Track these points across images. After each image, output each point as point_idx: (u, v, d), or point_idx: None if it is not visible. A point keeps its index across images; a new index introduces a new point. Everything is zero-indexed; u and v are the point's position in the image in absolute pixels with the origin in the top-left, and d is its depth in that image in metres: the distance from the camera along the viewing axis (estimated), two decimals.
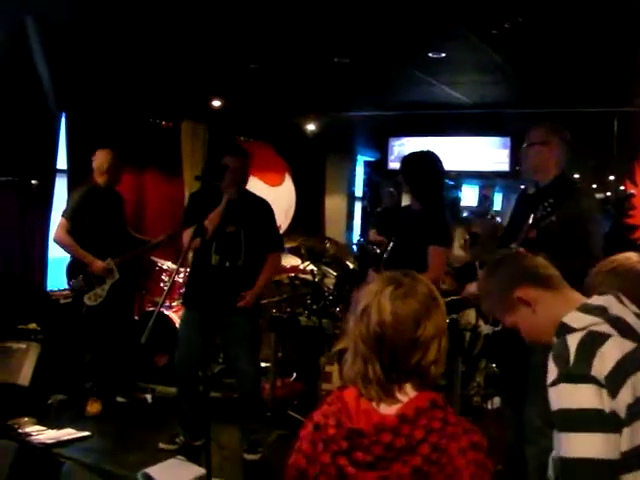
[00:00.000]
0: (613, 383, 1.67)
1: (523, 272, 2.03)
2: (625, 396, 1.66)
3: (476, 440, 1.74)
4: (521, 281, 2.00)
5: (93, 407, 5.72)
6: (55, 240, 5.89)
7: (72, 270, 5.85)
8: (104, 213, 5.86)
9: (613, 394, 1.66)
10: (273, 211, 5.18)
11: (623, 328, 1.77)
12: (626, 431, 1.66)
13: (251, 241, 4.94)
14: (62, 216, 5.85)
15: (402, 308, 1.80)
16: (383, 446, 1.72)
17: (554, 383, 1.74)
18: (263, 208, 5.11)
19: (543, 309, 1.96)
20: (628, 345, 1.73)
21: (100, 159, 5.86)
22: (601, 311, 1.81)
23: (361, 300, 1.87)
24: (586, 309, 1.83)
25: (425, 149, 4.83)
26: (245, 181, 5.07)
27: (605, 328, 1.76)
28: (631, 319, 1.81)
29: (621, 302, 1.85)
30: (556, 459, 1.75)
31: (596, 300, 1.86)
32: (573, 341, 1.74)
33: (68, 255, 5.90)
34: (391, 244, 4.72)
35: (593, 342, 1.72)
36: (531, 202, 4.00)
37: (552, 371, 1.76)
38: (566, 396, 1.70)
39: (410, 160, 4.75)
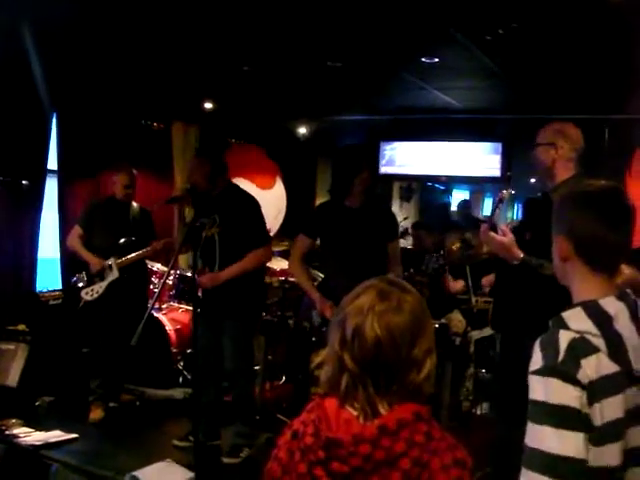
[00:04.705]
0: (590, 394, 1.66)
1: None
2: (597, 413, 1.66)
3: (460, 457, 1.68)
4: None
5: (96, 413, 5.68)
6: (67, 244, 6.17)
7: (75, 267, 6.00)
8: (115, 223, 5.94)
9: (590, 402, 1.66)
10: (255, 206, 5.00)
11: (616, 350, 1.73)
12: (592, 449, 1.66)
13: (227, 245, 4.87)
14: (77, 223, 6.06)
15: (397, 324, 1.72)
16: (361, 458, 1.64)
17: (539, 373, 1.71)
18: (242, 206, 4.95)
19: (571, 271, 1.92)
20: (609, 367, 1.70)
21: (123, 175, 5.99)
22: (605, 321, 1.76)
23: (348, 318, 1.75)
24: (592, 312, 1.78)
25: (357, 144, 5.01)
26: (202, 181, 4.87)
27: (598, 342, 1.72)
28: (632, 341, 1.76)
29: (634, 318, 1.81)
30: (531, 449, 1.70)
31: (609, 304, 1.80)
32: (564, 339, 1.72)
33: (58, 257, 5.93)
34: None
35: (580, 349, 1.70)
36: (538, 206, 4.00)
37: (537, 359, 1.73)
38: (552, 391, 1.68)
39: (363, 153, 4.79)
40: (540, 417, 1.70)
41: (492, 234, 3.82)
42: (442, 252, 6.78)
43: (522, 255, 3.68)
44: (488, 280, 4.53)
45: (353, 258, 4.62)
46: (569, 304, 1.92)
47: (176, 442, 5.06)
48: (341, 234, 4.70)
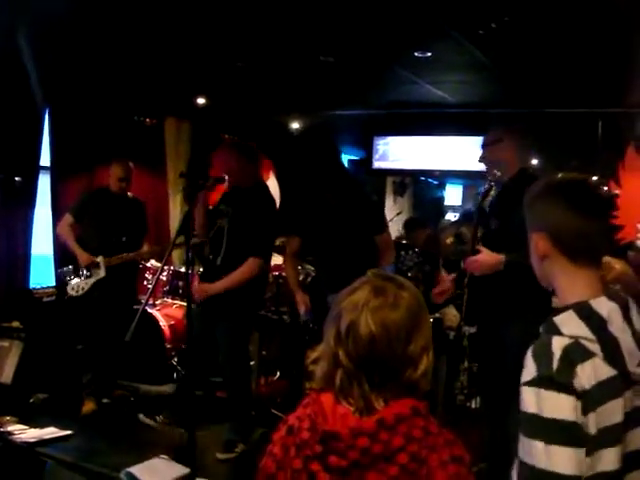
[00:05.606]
0: (585, 403, 1.60)
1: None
2: (591, 421, 1.60)
3: (458, 453, 1.66)
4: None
5: (88, 406, 5.72)
6: (57, 231, 6.22)
7: (67, 264, 5.99)
8: (109, 216, 5.95)
9: (584, 412, 1.59)
10: (269, 214, 5.01)
11: (612, 354, 1.67)
12: (587, 459, 1.59)
13: (234, 239, 4.88)
14: (68, 211, 6.06)
15: (392, 320, 1.70)
16: (359, 451, 1.62)
17: (532, 384, 1.63)
18: (257, 209, 4.92)
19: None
20: (606, 372, 1.63)
21: (118, 167, 6.01)
22: (599, 324, 1.69)
23: (343, 313, 1.74)
24: (584, 315, 1.70)
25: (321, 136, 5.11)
26: (232, 175, 4.94)
27: (594, 347, 1.65)
28: (626, 343, 1.70)
29: (626, 318, 1.74)
30: (523, 464, 1.63)
31: (601, 306, 1.72)
32: (558, 345, 1.65)
33: (51, 253, 5.94)
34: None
35: (575, 355, 1.63)
36: (495, 201, 4.13)
37: (530, 369, 1.65)
38: (545, 403, 1.60)
39: (321, 151, 4.84)
40: (532, 431, 1.62)
41: (472, 259, 3.88)
42: (417, 249, 6.80)
43: (503, 258, 3.74)
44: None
45: (330, 253, 4.74)
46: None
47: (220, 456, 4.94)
48: (319, 230, 4.80)
